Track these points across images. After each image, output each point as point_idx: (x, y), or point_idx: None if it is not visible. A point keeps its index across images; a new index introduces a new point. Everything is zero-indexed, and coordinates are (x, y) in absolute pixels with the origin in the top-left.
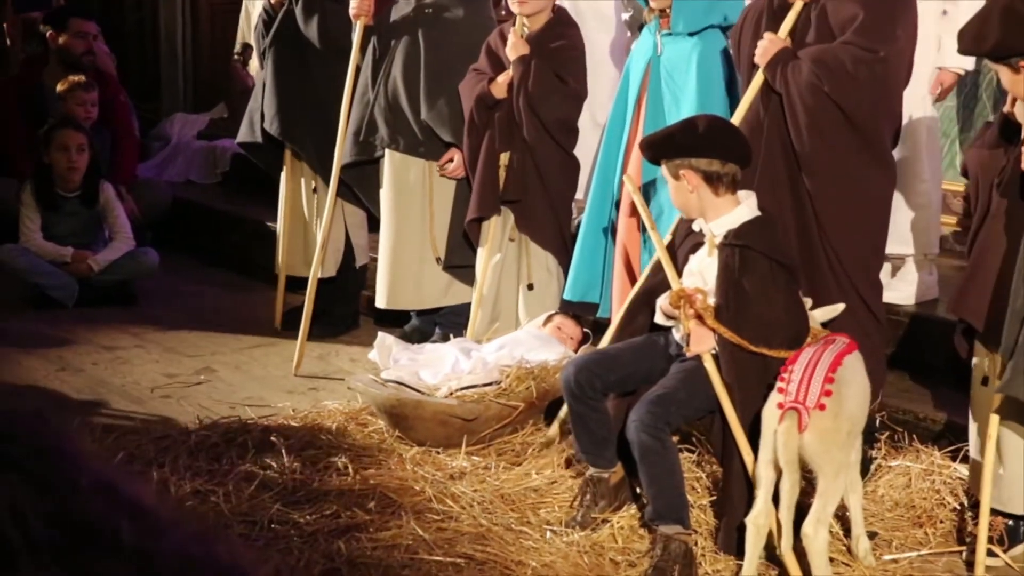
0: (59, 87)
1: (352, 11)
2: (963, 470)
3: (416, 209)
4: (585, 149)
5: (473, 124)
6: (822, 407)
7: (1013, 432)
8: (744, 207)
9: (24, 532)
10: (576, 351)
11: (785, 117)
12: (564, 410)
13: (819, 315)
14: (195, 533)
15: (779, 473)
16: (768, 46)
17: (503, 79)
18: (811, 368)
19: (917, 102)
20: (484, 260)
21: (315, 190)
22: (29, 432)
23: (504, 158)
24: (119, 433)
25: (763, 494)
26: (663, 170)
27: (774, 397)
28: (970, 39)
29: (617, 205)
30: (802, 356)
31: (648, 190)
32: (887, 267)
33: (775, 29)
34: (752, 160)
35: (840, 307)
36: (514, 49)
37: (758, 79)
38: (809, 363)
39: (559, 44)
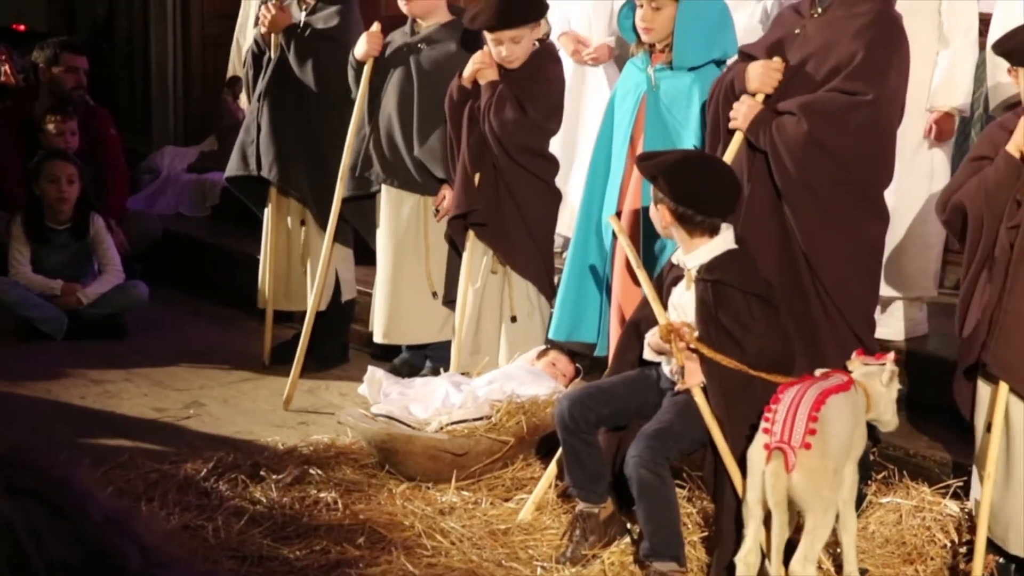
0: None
1: (362, 54)
2: (954, 507)
3: (412, 244)
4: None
5: (451, 125)
6: (808, 446)
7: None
8: (720, 239)
9: (42, 552)
10: (567, 387)
11: (771, 174)
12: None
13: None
14: (199, 570)
15: (768, 511)
16: (747, 110)
17: (467, 70)
18: (794, 407)
19: (917, 144)
20: (464, 287)
21: (303, 223)
22: (45, 465)
23: (476, 178)
24: (108, 467)
25: (752, 532)
26: (651, 189)
27: (760, 438)
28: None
29: (609, 241)
30: (785, 395)
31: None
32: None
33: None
34: (738, 209)
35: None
36: (484, 71)
37: (736, 142)
38: (792, 402)
39: (530, 74)
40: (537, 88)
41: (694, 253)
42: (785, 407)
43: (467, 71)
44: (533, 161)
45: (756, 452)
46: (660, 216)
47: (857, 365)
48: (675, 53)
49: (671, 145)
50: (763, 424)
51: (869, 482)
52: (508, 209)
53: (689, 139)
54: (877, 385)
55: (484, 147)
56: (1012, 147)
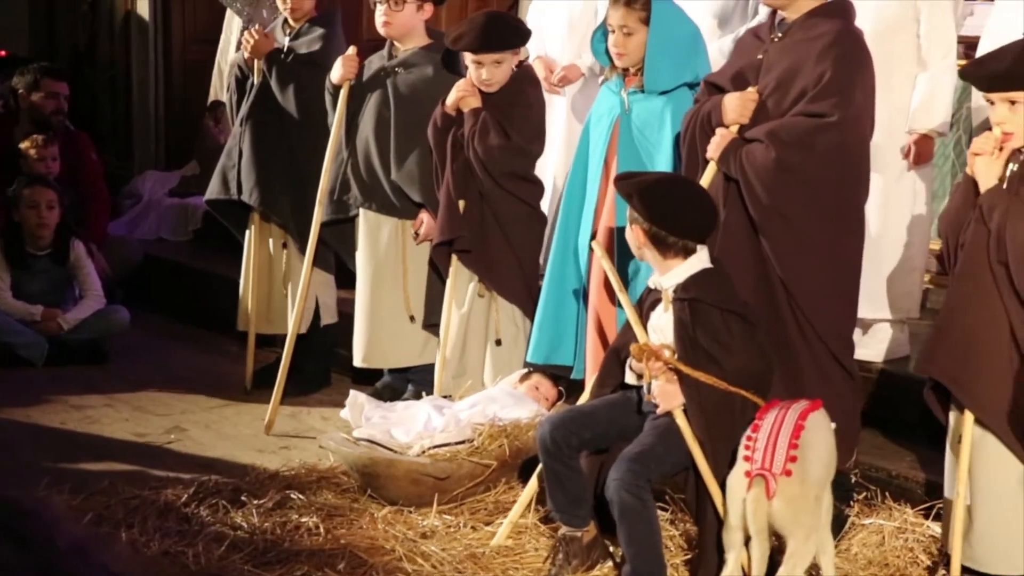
0: (21, 144)
1: (337, 78)
2: (936, 528)
3: (391, 267)
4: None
5: (435, 151)
6: (788, 473)
7: (987, 491)
8: (694, 259)
9: None
10: (549, 411)
11: (744, 202)
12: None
13: None
14: None
15: (748, 536)
16: (719, 140)
17: (451, 98)
18: (775, 433)
19: (901, 168)
20: (447, 311)
21: (284, 245)
22: (10, 497)
23: (460, 205)
24: (88, 493)
25: (733, 558)
26: (627, 209)
27: (740, 465)
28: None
29: (585, 264)
30: (765, 422)
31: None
32: (858, 326)
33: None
34: (714, 234)
35: None
36: (467, 99)
37: (710, 172)
38: (772, 428)
39: (511, 99)
40: (519, 112)
41: (669, 274)
42: (766, 433)
43: (450, 99)
44: (519, 186)
45: (737, 479)
46: (634, 236)
47: None
48: (646, 77)
49: (644, 168)
50: (743, 451)
51: (851, 503)
52: (493, 235)
53: (662, 161)
54: None
55: (469, 174)
56: (968, 169)
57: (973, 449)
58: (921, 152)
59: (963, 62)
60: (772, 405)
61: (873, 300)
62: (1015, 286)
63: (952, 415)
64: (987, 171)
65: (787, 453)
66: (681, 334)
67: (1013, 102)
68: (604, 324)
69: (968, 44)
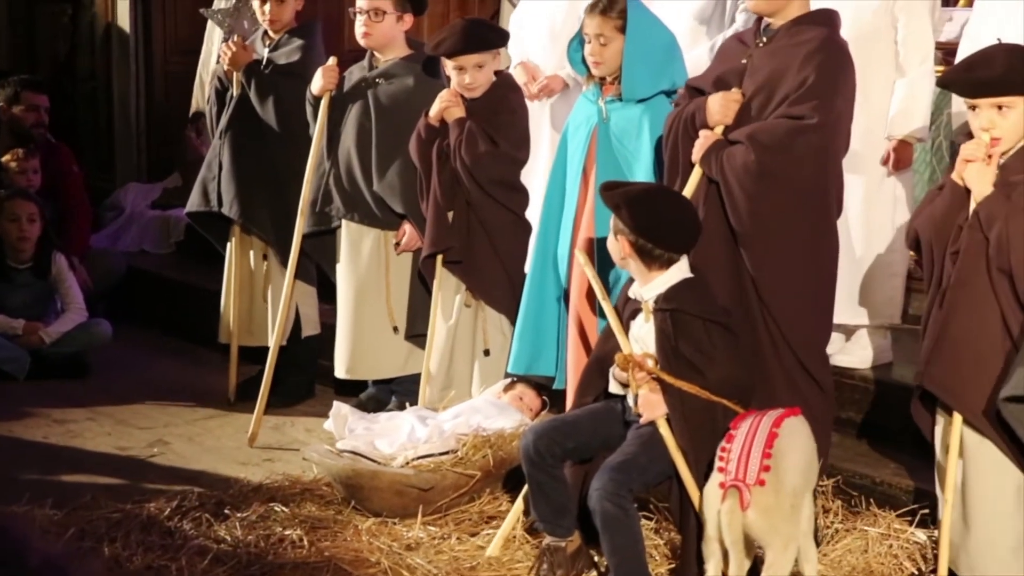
0: (2, 157)
1: (317, 89)
2: (920, 534)
3: (373, 279)
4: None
5: (420, 163)
6: (762, 483)
7: (985, 499)
8: (675, 269)
9: None
10: (533, 420)
11: (723, 204)
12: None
13: None
14: None
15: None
16: (703, 141)
17: (434, 109)
18: (748, 444)
19: (881, 174)
20: (434, 324)
21: (265, 257)
22: None
23: (449, 216)
24: (70, 508)
25: (711, 569)
26: (611, 219)
27: (715, 476)
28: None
29: (564, 273)
30: (739, 432)
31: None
32: (841, 332)
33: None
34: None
35: None
36: (451, 109)
37: (695, 176)
38: (746, 438)
39: (495, 107)
40: (503, 119)
41: (650, 285)
42: (739, 444)
43: (434, 109)
44: (506, 194)
45: (712, 490)
46: (619, 247)
47: None
48: (624, 86)
49: (623, 176)
50: (718, 463)
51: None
52: (481, 244)
53: (640, 170)
54: None
55: (455, 184)
56: (955, 175)
57: (970, 458)
58: (900, 158)
59: (941, 68)
60: (747, 414)
61: (855, 306)
62: (1017, 294)
63: (938, 428)
64: (980, 178)
65: (760, 463)
66: (663, 344)
67: (1001, 107)
68: (586, 333)
69: (947, 50)
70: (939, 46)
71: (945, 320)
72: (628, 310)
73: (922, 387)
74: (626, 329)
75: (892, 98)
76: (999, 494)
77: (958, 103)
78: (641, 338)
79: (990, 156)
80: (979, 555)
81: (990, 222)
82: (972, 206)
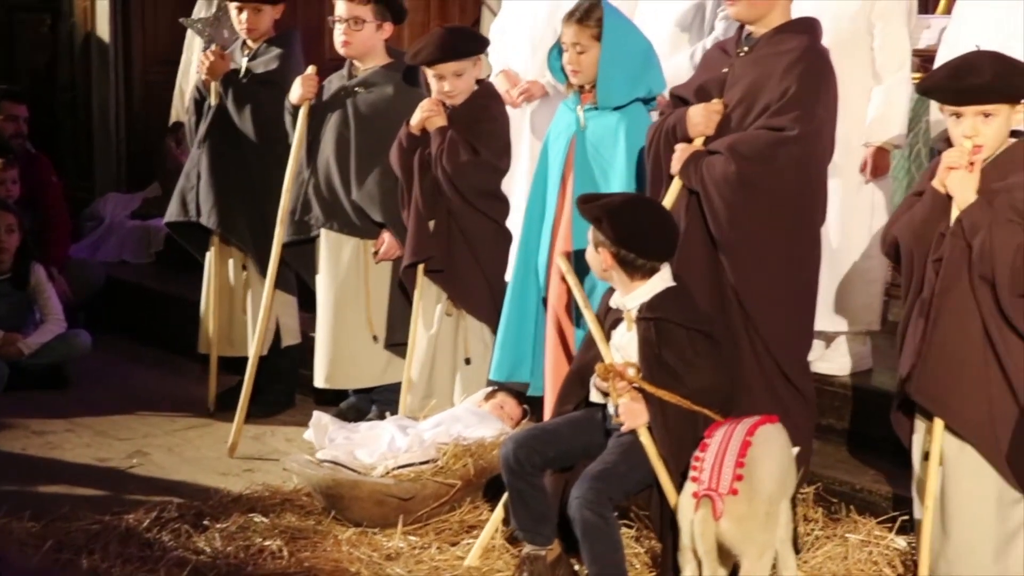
0: None
1: (296, 98)
2: (900, 541)
3: (353, 287)
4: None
5: (401, 172)
6: (735, 492)
7: (964, 508)
8: (658, 278)
9: None
10: (514, 429)
11: (704, 214)
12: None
13: None
14: None
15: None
16: (680, 154)
17: (415, 118)
18: (721, 453)
19: (859, 181)
20: (414, 333)
21: (244, 267)
22: None
23: (430, 225)
24: (48, 520)
25: None
26: (589, 231)
27: (688, 486)
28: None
29: (543, 282)
30: (713, 440)
31: (583, 263)
32: (820, 339)
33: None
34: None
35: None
36: (433, 119)
37: (675, 187)
38: (720, 448)
39: (476, 115)
40: (485, 128)
41: (633, 294)
42: (712, 453)
43: (415, 119)
44: (488, 203)
45: (685, 500)
46: (601, 259)
47: None
48: (599, 93)
49: (599, 185)
50: (691, 472)
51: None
52: (462, 253)
53: (616, 178)
54: None
55: (437, 193)
56: (937, 183)
57: (950, 466)
58: (878, 165)
59: (919, 75)
60: (721, 423)
61: (834, 313)
62: (1000, 303)
63: (917, 435)
64: (963, 185)
65: (733, 472)
66: (646, 353)
67: (987, 115)
68: (564, 341)
69: (924, 57)
70: (917, 53)
71: (929, 328)
72: (610, 320)
73: (903, 395)
74: (607, 339)
75: (869, 105)
76: (979, 501)
77: (936, 110)
78: (623, 347)
79: (972, 163)
80: (958, 561)
81: (974, 230)
82: (954, 213)
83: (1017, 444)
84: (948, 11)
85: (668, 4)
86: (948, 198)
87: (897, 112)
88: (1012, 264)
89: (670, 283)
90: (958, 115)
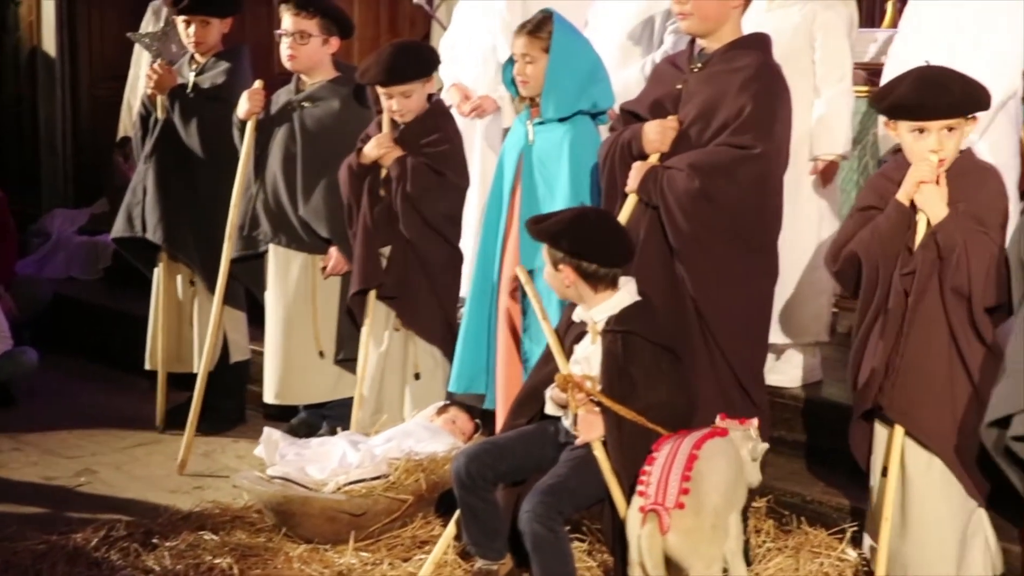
0: None
1: (243, 112)
2: (851, 552)
3: (301, 303)
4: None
5: (349, 196)
6: (681, 506)
7: (919, 520)
8: (624, 292)
9: None
10: (466, 444)
11: (662, 228)
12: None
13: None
14: None
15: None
16: (636, 172)
17: (371, 147)
18: (668, 467)
19: (804, 193)
20: (364, 349)
21: (192, 283)
22: None
23: (386, 251)
24: None
25: None
26: (543, 252)
27: (636, 500)
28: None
29: (497, 295)
30: (659, 455)
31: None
32: (770, 351)
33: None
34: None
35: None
36: (389, 154)
37: (630, 204)
38: (666, 462)
39: (432, 138)
40: (441, 151)
41: (599, 307)
42: (659, 467)
43: (371, 154)
44: (448, 226)
45: (632, 515)
46: (562, 277)
47: (728, 425)
48: (542, 104)
49: (544, 199)
50: (639, 486)
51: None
52: (417, 278)
53: (560, 191)
54: (744, 452)
55: (391, 220)
56: (902, 195)
57: (918, 481)
58: (826, 176)
59: (865, 88)
60: (669, 436)
61: (782, 325)
62: (973, 317)
63: (877, 450)
64: (936, 200)
65: (679, 486)
66: (609, 366)
67: (951, 129)
68: (515, 356)
69: (871, 71)
70: (863, 66)
71: (902, 342)
72: (572, 334)
73: (865, 410)
74: (569, 353)
75: (813, 118)
76: (947, 515)
77: (882, 125)
78: (585, 359)
79: (937, 179)
80: (921, 571)
81: (949, 244)
82: (922, 227)
83: (973, 453)
84: (894, 24)
85: (617, 17)
86: (913, 212)
87: (841, 123)
88: (986, 276)
89: (636, 297)
90: (922, 130)
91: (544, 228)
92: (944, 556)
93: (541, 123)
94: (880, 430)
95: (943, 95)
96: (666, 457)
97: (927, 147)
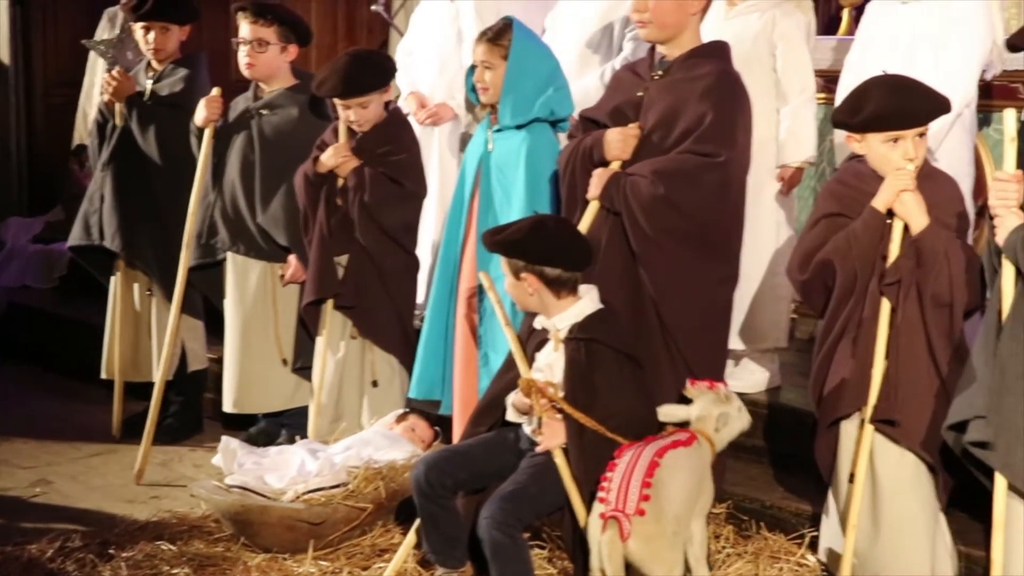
0: None
1: (202, 120)
2: (810, 558)
3: (260, 311)
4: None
5: (305, 204)
6: (642, 512)
7: (890, 526)
8: (586, 300)
9: None
10: (425, 451)
11: (624, 233)
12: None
13: (663, 413)
14: None
15: None
16: (598, 180)
17: (328, 156)
18: (629, 473)
19: (764, 200)
20: (321, 358)
21: (150, 292)
22: None
23: (343, 260)
24: None
25: None
26: (502, 264)
27: (596, 507)
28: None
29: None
30: (621, 461)
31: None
32: (729, 357)
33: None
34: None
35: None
36: (345, 163)
37: (591, 211)
38: (627, 468)
39: (389, 147)
40: (399, 161)
41: (562, 315)
42: (620, 474)
43: (328, 163)
44: (406, 235)
45: (593, 522)
46: (525, 286)
47: (694, 393)
48: (499, 110)
49: (502, 207)
50: (599, 493)
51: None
52: (374, 288)
53: (517, 198)
54: (711, 425)
55: (347, 229)
56: (879, 203)
57: (887, 482)
58: (793, 182)
59: (822, 96)
60: (631, 444)
61: (742, 331)
62: (952, 325)
63: (843, 457)
64: (916, 208)
65: (640, 492)
66: (572, 373)
67: (922, 135)
68: (473, 363)
69: (828, 78)
70: (820, 74)
71: (893, 351)
72: (533, 341)
73: (832, 418)
74: (530, 360)
75: (779, 127)
76: (916, 512)
77: (839, 133)
78: (547, 367)
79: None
80: (893, 571)
81: (933, 253)
82: (897, 233)
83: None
84: (850, 32)
85: (575, 25)
86: (888, 220)
87: (807, 131)
88: (966, 282)
89: (599, 305)
90: (896, 139)
91: (503, 239)
92: (918, 555)
93: (500, 131)
94: (846, 437)
95: (918, 101)
96: (627, 464)
97: (903, 155)
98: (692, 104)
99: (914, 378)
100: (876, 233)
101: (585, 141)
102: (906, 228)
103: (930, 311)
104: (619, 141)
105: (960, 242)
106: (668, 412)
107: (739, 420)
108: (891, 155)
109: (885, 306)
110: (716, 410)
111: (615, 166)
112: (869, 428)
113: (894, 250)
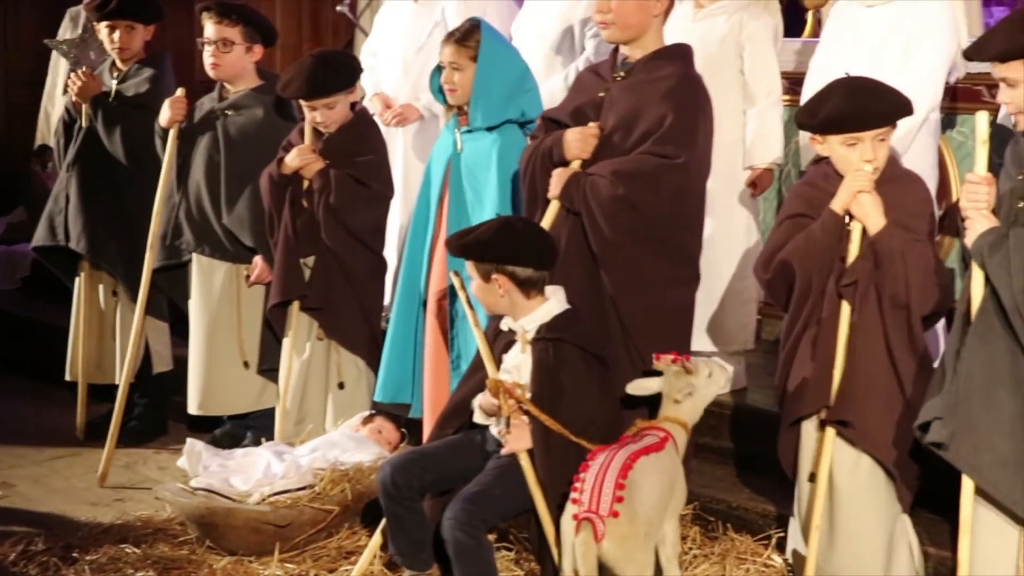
0: None
1: (166, 120)
2: (777, 558)
3: (225, 312)
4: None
5: (271, 206)
6: (615, 514)
7: (846, 531)
8: (553, 301)
9: None
10: (392, 453)
11: (584, 233)
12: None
13: (634, 386)
14: None
15: None
16: (558, 179)
17: (293, 157)
18: (602, 474)
19: (732, 202)
20: (287, 359)
21: (115, 293)
22: None
23: (309, 263)
24: None
25: None
26: (469, 268)
27: (569, 508)
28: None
29: (424, 304)
30: (594, 462)
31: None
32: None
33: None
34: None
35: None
36: (310, 165)
37: (552, 210)
38: (600, 470)
39: (356, 149)
40: (366, 162)
41: (530, 316)
42: (593, 475)
43: (293, 164)
44: (373, 236)
45: (566, 523)
46: (496, 287)
47: (661, 366)
48: (470, 111)
49: (473, 208)
50: (572, 494)
51: None
52: (340, 288)
53: (489, 201)
54: (675, 396)
55: (313, 231)
56: (837, 205)
57: (843, 484)
58: (763, 184)
59: (787, 97)
60: (605, 447)
61: (709, 333)
62: (911, 327)
63: (804, 457)
64: (873, 210)
65: (614, 494)
66: (540, 374)
67: (883, 139)
68: (442, 365)
69: (793, 80)
70: (785, 75)
71: (851, 353)
72: (500, 343)
73: (795, 418)
74: (498, 362)
75: (745, 129)
76: (870, 517)
77: (804, 135)
78: (515, 368)
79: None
80: (849, 572)
81: (889, 255)
82: (856, 235)
83: (905, 459)
84: (815, 34)
85: (537, 30)
86: (847, 222)
87: (774, 133)
88: (924, 285)
89: (566, 306)
90: (855, 141)
91: (471, 242)
92: (872, 558)
93: (469, 131)
94: (807, 436)
95: (878, 103)
96: (600, 465)
97: (862, 156)
98: (653, 105)
99: (871, 380)
100: (834, 234)
101: (545, 141)
102: (865, 230)
103: (889, 313)
104: (578, 141)
105: (922, 244)
106: (638, 385)
107: (710, 387)
108: (850, 156)
109: (844, 307)
110: (680, 381)
111: (575, 166)
112: (830, 429)
113: (853, 251)
